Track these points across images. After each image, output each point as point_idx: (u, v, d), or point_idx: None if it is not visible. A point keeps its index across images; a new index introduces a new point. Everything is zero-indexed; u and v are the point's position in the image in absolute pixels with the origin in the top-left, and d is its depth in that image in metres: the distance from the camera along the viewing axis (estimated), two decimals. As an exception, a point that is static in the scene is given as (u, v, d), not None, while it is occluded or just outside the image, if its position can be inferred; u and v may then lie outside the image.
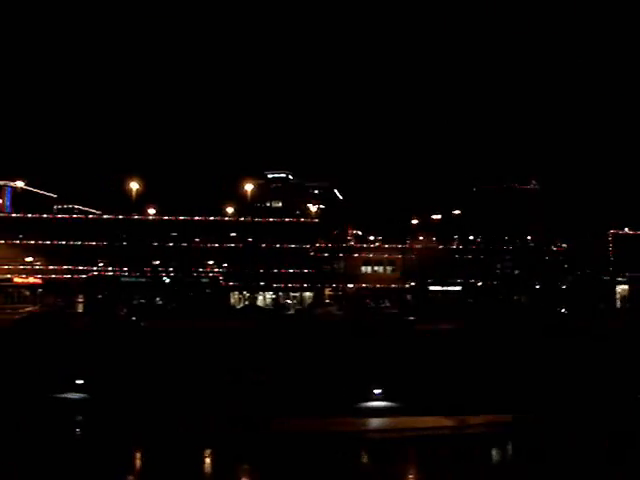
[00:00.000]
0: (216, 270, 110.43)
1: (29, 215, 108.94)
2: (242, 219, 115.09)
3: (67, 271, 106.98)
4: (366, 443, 49.36)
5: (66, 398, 52.88)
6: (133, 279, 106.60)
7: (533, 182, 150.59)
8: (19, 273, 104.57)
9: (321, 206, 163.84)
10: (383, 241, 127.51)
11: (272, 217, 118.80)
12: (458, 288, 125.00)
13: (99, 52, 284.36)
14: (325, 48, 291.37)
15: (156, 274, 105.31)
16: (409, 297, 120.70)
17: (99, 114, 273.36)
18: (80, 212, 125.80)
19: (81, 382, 54.03)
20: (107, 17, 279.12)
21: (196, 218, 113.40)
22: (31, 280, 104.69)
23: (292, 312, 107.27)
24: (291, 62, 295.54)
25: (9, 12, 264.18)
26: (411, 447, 48.47)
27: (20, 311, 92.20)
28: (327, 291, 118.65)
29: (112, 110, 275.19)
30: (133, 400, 51.91)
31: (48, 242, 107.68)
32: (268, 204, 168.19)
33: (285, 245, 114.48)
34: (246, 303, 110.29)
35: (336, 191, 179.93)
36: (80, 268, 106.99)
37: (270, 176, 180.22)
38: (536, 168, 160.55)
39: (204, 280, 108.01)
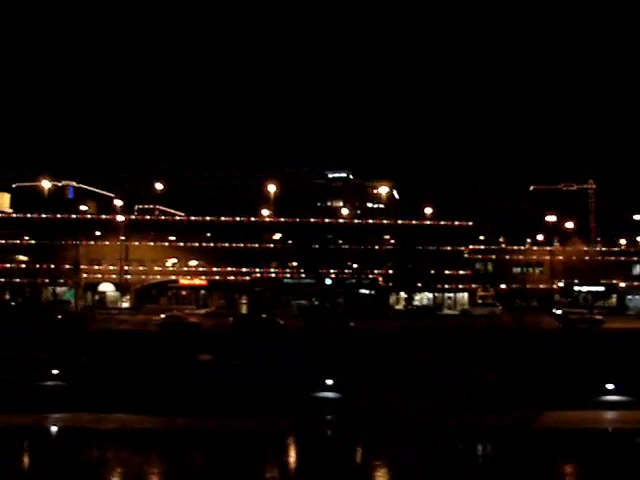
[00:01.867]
0: (376, 272, 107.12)
1: (190, 218, 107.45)
2: (400, 222, 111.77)
3: (231, 273, 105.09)
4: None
5: (323, 397, 50.39)
6: (295, 281, 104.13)
7: (590, 181, 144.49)
8: (184, 275, 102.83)
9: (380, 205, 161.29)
10: (531, 243, 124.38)
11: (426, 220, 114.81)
12: (602, 289, 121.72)
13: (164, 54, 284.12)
14: (382, 49, 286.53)
15: (318, 276, 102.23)
16: (557, 297, 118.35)
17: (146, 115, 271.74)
18: (161, 212, 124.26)
19: (331, 382, 51.53)
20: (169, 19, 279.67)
21: (355, 221, 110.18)
22: (196, 282, 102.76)
23: (453, 312, 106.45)
24: (352, 63, 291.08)
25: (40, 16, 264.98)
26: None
27: (186, 312, 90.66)
28: (479, 292, 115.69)
29: (166, 110, 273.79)
30: (376, 399, 49.12)
31: (212, 244, 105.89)
32: (329, 203, 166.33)
33: (441, 247, 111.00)
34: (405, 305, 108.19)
35: (394, 191, 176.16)
36: (243, 270, 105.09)
37: (330, 176, 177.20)
38: (593, 168, 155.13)
39: (364, 282, 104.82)
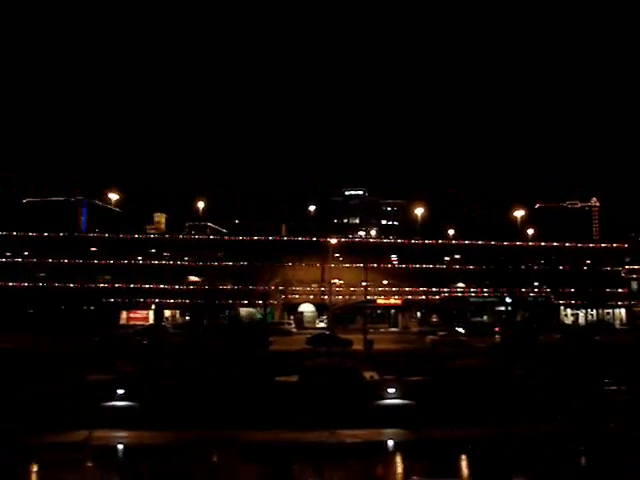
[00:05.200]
0: (548, 290, 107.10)
1: (383, 240, 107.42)
2: (568, 244, 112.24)
3: (421, 292, 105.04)
4: None
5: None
6: (480, 299, 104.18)
7: (594, 199, 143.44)
8: (380, 295, 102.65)
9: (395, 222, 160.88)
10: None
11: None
12: None
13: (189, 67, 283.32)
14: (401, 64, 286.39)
15: (500, 294, 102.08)
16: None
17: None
18: (212, 230, 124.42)
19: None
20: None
21: (530, 243, 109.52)
22: (392, 301, 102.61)
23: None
24: (370, 85, 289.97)
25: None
26: None
27: (382, 330, 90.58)
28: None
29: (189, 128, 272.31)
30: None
31: (403, 265, 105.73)
32: (346, 220, 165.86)
33: (602, 268, 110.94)
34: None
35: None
36: (433, 289, 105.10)
37: (347, 193, 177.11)
38: (597, 185, 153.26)
39: (540, 299, 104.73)
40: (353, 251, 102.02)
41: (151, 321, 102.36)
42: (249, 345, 64.57)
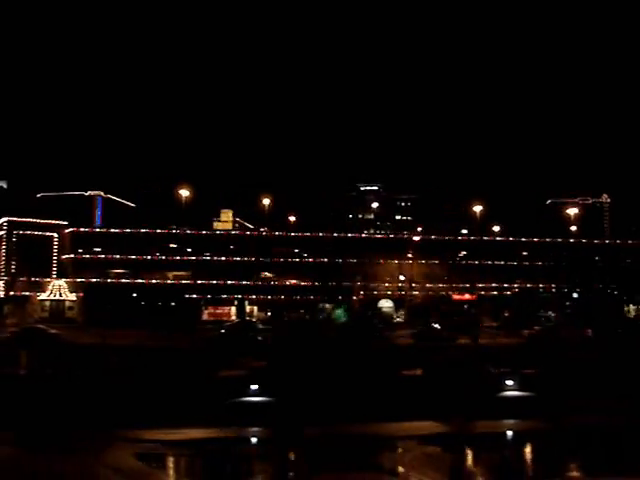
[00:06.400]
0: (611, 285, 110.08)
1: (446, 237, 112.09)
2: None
3: (495, 288, 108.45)
4: None
5: None
6: (547, 294, 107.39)
7: (605, 196, 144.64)
8: (454, 290, 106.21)
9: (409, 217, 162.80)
10: None
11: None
12: None
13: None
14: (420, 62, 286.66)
15: (565, 289, 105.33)
16: None
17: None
18: (240, 225, 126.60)
19: None
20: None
21: (596, 241, 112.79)
22: (466, 296, 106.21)
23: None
24: (383, 80, 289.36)
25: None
26: None
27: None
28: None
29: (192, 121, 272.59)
30: None
31: (476, 262, 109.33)
32: (360, 216, 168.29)
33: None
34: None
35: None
36: (505, 285, 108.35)
37: (362, 189, 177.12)
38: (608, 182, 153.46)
39: (603, 295, 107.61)
40: (426, 248, 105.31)
41: (233, 317, 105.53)
42: (364, 339, 66.82)
